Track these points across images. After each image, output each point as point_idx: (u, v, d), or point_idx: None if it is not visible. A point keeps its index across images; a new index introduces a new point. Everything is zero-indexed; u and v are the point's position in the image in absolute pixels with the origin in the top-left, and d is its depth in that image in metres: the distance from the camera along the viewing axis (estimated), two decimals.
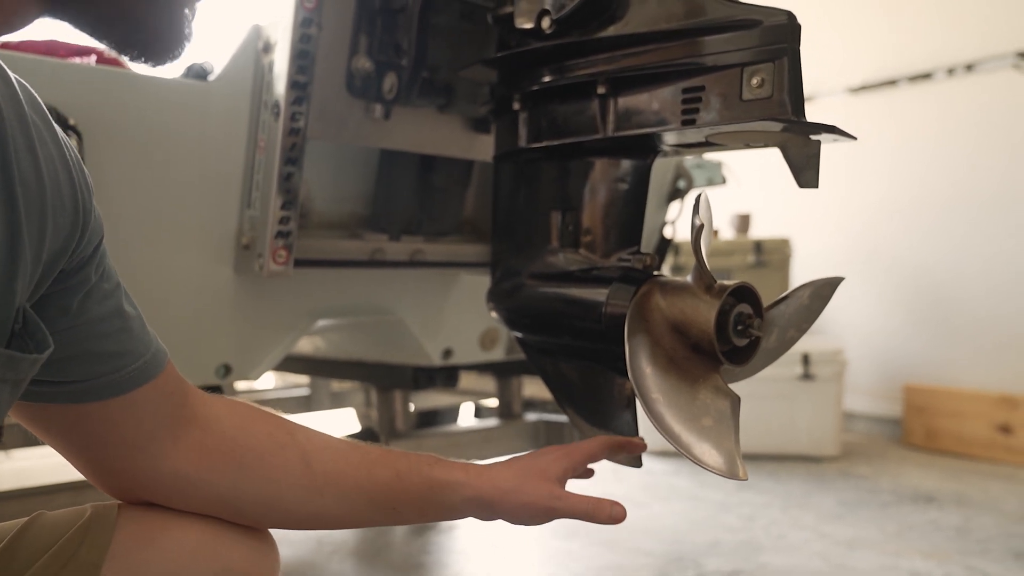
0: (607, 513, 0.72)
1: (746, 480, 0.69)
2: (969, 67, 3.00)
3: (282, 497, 0.67)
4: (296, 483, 0.67)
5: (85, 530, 0.64)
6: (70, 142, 0.55)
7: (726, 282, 0.75)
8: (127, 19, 0.47)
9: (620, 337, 0.77)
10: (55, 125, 0.53)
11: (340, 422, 2.52)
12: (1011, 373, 2.91)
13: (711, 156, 1.82)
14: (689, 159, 1.73)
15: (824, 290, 0.84)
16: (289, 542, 1.98)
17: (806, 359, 2.82)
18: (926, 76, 3.12)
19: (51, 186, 0.50)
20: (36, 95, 0.51)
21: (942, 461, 2.88)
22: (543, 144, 0.91)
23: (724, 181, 1.83)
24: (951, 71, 3.05)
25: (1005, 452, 2.85)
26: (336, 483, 0.68)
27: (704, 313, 0.74)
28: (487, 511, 0.71)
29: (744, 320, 0.75)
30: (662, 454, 2.79)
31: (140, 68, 1.05)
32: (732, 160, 1.88)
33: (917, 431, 3.10)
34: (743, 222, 3.26)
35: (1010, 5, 2.93)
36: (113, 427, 0.61)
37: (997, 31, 2.93)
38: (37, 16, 0.48)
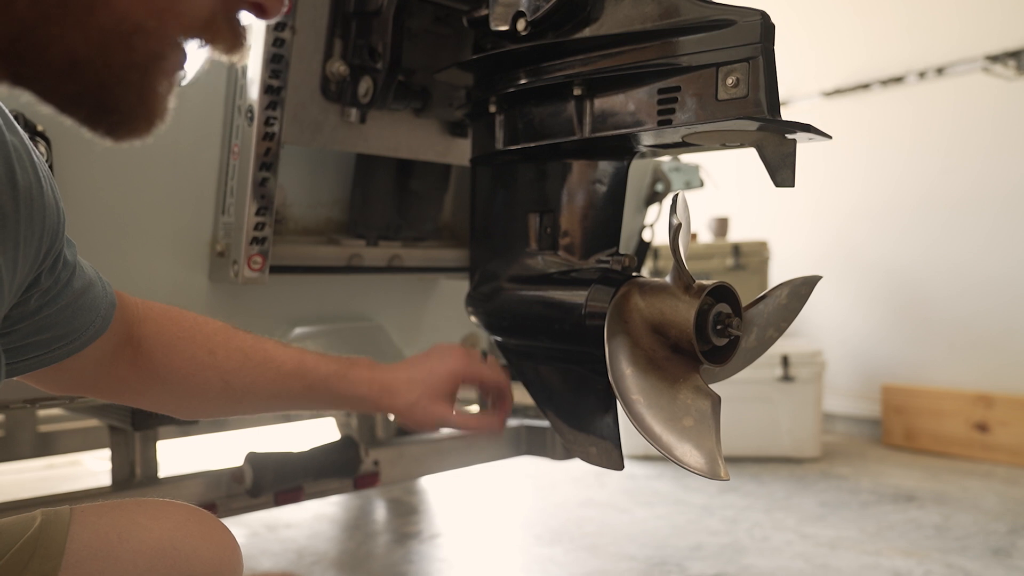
0: (486, 427, 0.84)
1: (728, 480, 0.69)
2: (940, 70, 3.04)
3: (203, 405, 0.76)
4: (215, 396, 0.74)
5: (36, 539, 0.62)
6: (41, 158, 0.55)
7: (705, 282, 0.75)
8: (96, 98, 0.42)
9: (600, 339, 0.77)
10: (27, 139, 0.52)
11: (320, 432, 2.50)
12: (986, 371, 2.95)
13: (688, 159, 1.83)
14: (667, 162, 1.74)
15: (802, 289, 0.84)
16: (270, 553, 1.95)
17: (785, 361, 2.84)
18: (898, 80, 3.16)
19: (25, 215, 0.51)
20: (5, 108, 0.50)
21: (921, 460, 2.90)
22: (520, 146, 0.91)
23: (702, 184, 1.84)
24: (922, 74, 3.09)
25: (982, 450, 2.88)
26: (252, 394, 0.75)
27: (683, 313, 0.74)
28: (384, 412, 0.80)
29: (723, 319, 0.75)
30: (644, 458, 2.80)
31: None
32: (709, 163, 1.89)
33: (896, 431, 3.13)
34: (721, 225, 3.28)
35: (979, 9, 2.98)
36: (72, 367, 0.66)
37: (966, 35, 2.98)
38: None
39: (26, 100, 0.43)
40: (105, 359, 0.68)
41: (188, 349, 0.73)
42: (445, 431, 2.16)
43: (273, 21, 0.98)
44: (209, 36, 0.43)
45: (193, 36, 0.42)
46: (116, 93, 0.42)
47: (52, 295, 0.59)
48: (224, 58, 0.45)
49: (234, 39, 0.44)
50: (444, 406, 0.81)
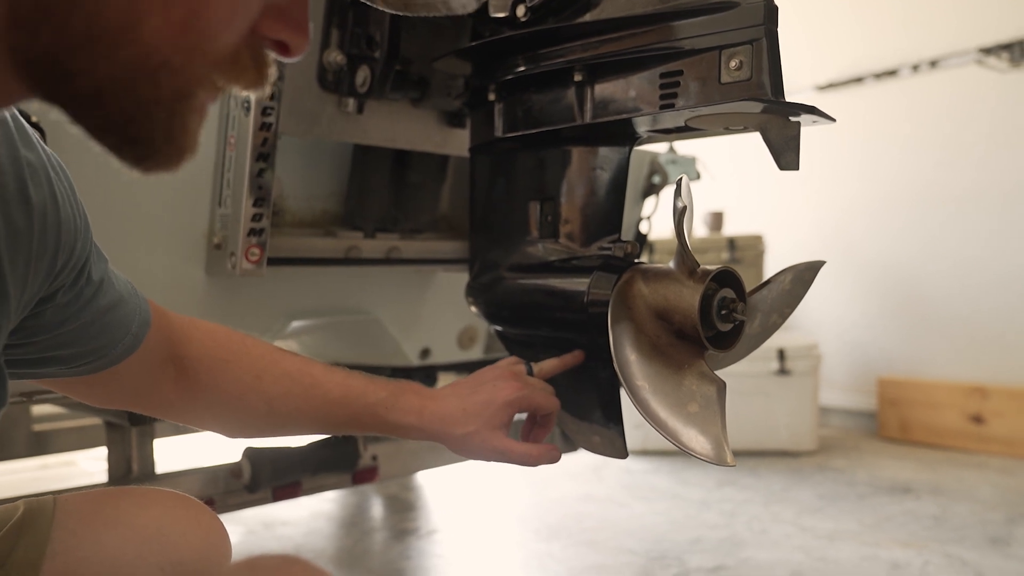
0: (547, 459, 0.82)
1: (734, 466, 0.68)
2: (933, 63, 3.05)
3: (246, 428, 0.75)
4: (259, 420, 0.74)
5: (19, 528, 0.61)
6: (62, 169, 0.55)
7: (709, 267, 0.75)
8: (122, 130, 0.41)
9: (603, 326, 0.76)
10: (45, 152, 0.52)
11: None
12: (981, 364, 2.96)
13: (685, 151, 1.83)
14: (664, 155, 1.73)
15: (806, 274, 0.84)
16: (267, 551, 1.94)
17: (782, 354, 2.84)
18: (892, 73, 3.17)
19: (39, 231, 0.51)
20: (24, 123, 0.50)
21: (917, 452, 2.91)
22: (520, 134, 0.90)
23: (698, 177, 1.84)
24: (916, 68, 3.10)
25: (977, 441, 2.89)
26: (295, 421, 0.75)
27: (687, 298, 0.73)
28: (432, 441, 0.79)
29: (728, 305, 0.75)
30: (642, 453, 2.79)
31: None
32: (706, 156, 1.89)
33: (892, 423, 3.13)
34: (716, 219, 3.28)
35: (972, 1, 2.99)
36: (107, 382, 0.65)
37: (960, 27, 2.99)
38: (23, 98, 0.42)
39: None
40: (144, 376, 0.67)
41: (234, 372, 0.71)
42: None
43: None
44: (235, 74, 0.42)
45: (219, 72, 0.41)
46: (143, 127, 0.41)
47: (73, 311, 0.58)
48: (246, 92, 0.44)
49: (258, 75, 0.43)
50: (502, 438, 0.78)
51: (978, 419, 2.90)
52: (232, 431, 0.76)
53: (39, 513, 0.63)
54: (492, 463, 0.80)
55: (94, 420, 1.85)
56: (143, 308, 0.65)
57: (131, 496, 0.71)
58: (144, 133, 0.41)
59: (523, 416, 0.85)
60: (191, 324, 0.71)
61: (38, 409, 1.91)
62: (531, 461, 0.80)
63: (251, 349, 0.73)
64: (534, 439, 0.84)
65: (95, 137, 0.41)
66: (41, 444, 1.93)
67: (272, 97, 1.00)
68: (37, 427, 1.92)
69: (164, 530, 0.66)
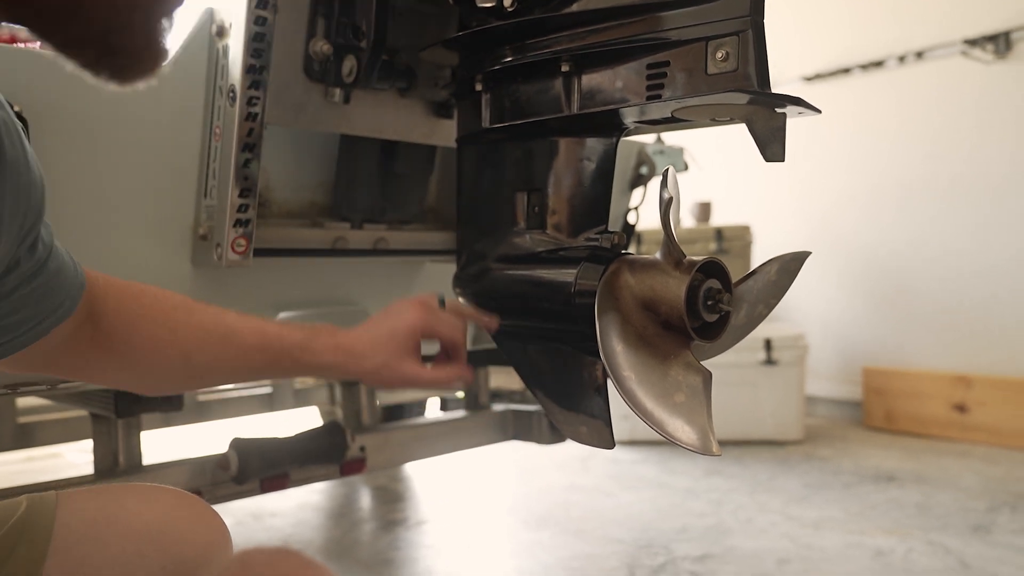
0: (456, 382, 0.83)
1: (720, 455, 0.69)
2: (919, 54, 3.06)
3: (164, 382, 0.75)
4: (177, 373, 0.73)
5: (22, 525, 0.61)
6: (25, 139, 0.54)
7: (695, 257, 0.75)
8: (101, 41, 0.41)
9: (590, 317, 0.77)
10: (13, 117, 0.51)
11: (303, 421, 2.48)
12: (966, 354, 2.98)
13: (673, 142, 1.83)
14: (651, 145, 1.73)
15: (791, 265, 0.84)
16: (256, 542, 1.94)
17: (768, 344, 2.86)
18: (878, 64, 3.18)
19: (11, 190, 0.50)
20: None
21: (901, 441, 2.94)
22: (507, 124, 0.90)
23: (686, 167, 1.84)
24: (902, 59, 3.11)
25: (961, 430, 2.92)
26: (215, 370, 0.75)
27: (674, 289, 0.74)
28: (350, 379, 0.81)
29: (714, 295, 0.75)
30: (629, 443, 2.81)
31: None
32: (694, 147, 1.89)
33: (877, 413, 3.16)
34: (704, 210, 3.29)
35: None
36: (31, 349, 0.64)
37: (945, 19, 3.00)
38: None
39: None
40: (65, 339, 0.67)
41: (148, 328, 0.71)
42: (431, 417, 2.15)
43: None
44: None
45: None
46: (123, 35, 0.41)
47: (27, 276, 0.58)
48: None
49: None
50: (412, 365, 0.80)
51: (962, 408, 2.93)
52: (148, 386, 0.76)
53: (41, 510, 0.63)
54: (410, 390, 0.82)
55: (80, 412, 1.84)
56: (79, 272, 0.65)
57: (133, 493, 0.71)
58: (124, 41, 0.41)
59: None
60: (106, 281, 0.70)
61: (23, 401, 1.89)
62: (441, 384, 0.82)
63: (163, 303, 0.73)
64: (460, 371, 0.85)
65: (70, 53, 0.41)
66: (26, 436, 1.91)
67: (258, 87, 1.00)
68: (22, 419, 1.91)
69: (167, 528, 0.66)
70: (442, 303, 0.86)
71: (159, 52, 0.44)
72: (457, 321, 0.85)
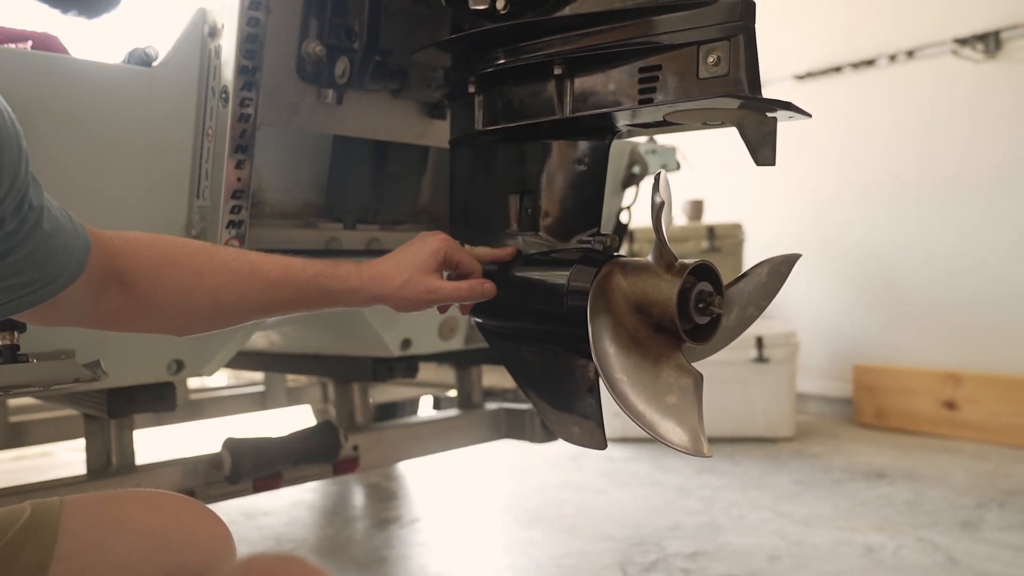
0: (479, 292, 0.85)
1: (711, 457, 0.70)
2: (910, 53, 3.07)
3: (196, 323, 0.76)
4: (207, 314, 0.74)
5: (27, 530, 0.61)
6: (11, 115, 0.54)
7: (686, 260, 0.75)
8: None
9: (582, 319, 0.77)
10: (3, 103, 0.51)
11: (297, 420, 2.48)
12: (955, 351, 3.00)
13: (665, 142, 1.83)
14: (643, 145, 1.74)
15: (782, 267, 0.85)
16: (249, 541, 1.94)
17: (760, 342, 2.87)
18: (869, 63, 3.19)
19: None
20: None
21: (892, 438, 2.96)
22: (500, 127, 0.90)
23: (678, 167, 1.85)
24: (893, 58, 3.13)
25: (951, 427, 2.94)
26: (242, 307, 0.75)
27: (665, 291, 0.74)
28: (376, 304, 0.82)
29: (705, 298, 0.75)
30: (621, 440, 2.82)
31: (80, 53, 1.01)
32: (685, 146, 1.90)
33: (867, 410, 3.18)
34: (696, 208, 3.30)
35: None
36: (53, 307, 0.65)
37: (936, 18, 3.01)
38: None
39: None
40: (90, 296, 0.67)
41: (173, 273, 0.72)
42: (423, 416, 2.14)
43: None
44: None
45: None
46: None
47: (20, 238, 0.58)
48: None
49: None
50: (434, 279, 0.82)
51: (951, 405, 2.95)
52: (182, 328, 0.77)
53: (45, 516, 0.63)
54: (429, 306, 0.83)
55: (72, 411, 1.83)
56: (82, 232, 0.65)
57: (137, 499, 0.71)
58: None
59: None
60: (120, 238, 0.71)
61: (15, 401, 1.89)
62: (462, 295, 0.84)
63: (184, 248, 0.74)
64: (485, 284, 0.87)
65: None
66: (18, 436, 1.91)
67: (251, 87, 1.00)
68: (14, 419, 1.90)
69: (170, 534, 0.66)
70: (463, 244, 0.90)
71: None
72: (474, 259, 0.88)
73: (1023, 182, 2.85)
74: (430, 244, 0.83)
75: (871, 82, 3.22)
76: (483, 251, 0.90)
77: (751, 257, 3.14)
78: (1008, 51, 2.86)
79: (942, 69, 3.00)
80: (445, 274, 0.86)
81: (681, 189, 3.25)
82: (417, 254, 0.82)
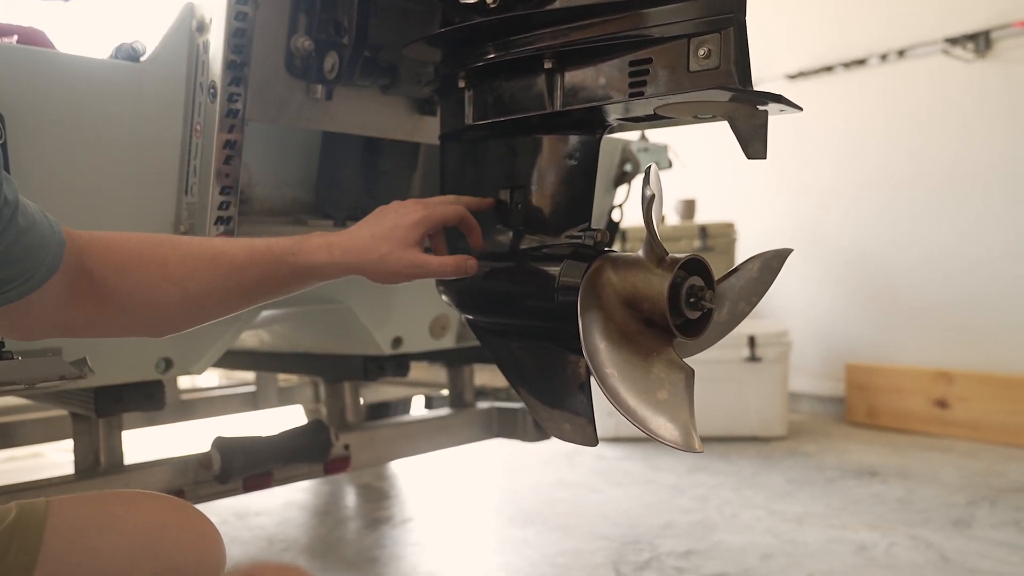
0: (464, 268, 0.83)
1: (702, 452, 0.69)
2: (901, 53, 3.08)
3: (169, 320, 0.73)
4: (178, 307, 0.72)
5: (12, 531, 0.60)
6: None
7: (677, 255, 0.75)
8: None
9: (573, 314, 0.77)
10: None
11: (287, 420, 2.47)
12: (947, 350, 3.01)
13: (656, 139, 1.83)
14: (635, 142, 1.73)
15: (773, 262, 0.84)
16: (240, 541, 1.93)
17: (752, 341, 2.87)
18: (861, 62, 3.20)
19: None
20: None
21: (884, 437, 2.96)
22: (490, 121, 0.90)
23: (670, 165, 1.84)
24: (884, 57, 3.13)
25: (942, 425, 2.95)
26: (212, 296, 0.73)
27: (656, 286, 0.74)
28: (353, 275, 0.78)
29: (696, 292, 0.75)
30: (614, 439, 2.81)
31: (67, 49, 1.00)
32: (678, 144, 1.90)
33: (859, 408, 3.18)
34: (688, 207, 3.30)
35: None
36: (28, 310, 0.64)
37: (926, 18, 3.02)
38: None
39: None
40: (63, 298, 0.66)
41: (139, 267, 0.71)
42: (415, 415, 2.14)
43: None
44: None
45: None
46: None
47: None
48: None
49: None
50: (417, 253, 0.79)
51: (943, 404, 2.96)
52: (155, 327, 0.74)
53: (32, 517, 0.62)
54: (411, 280, 0.79)
55: (60, 412, 1.82)
56: (57, 229, 0.64)
57: (123, 500, 0.70)
58: None
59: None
60: (89, 236, 0.70)
61: (2, 401, 1.87)
62: (448, 270, 0.81)
63: (148, 241, 0.72)
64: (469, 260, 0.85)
65: None
66: (6, 436, 1.89)
67: (239, 83, 0.99)
68: (2, 419, 1.88)
69: (157, 535, 0.66)
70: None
71: None
72: (453, 204, 0.85)
73: (1016, 182, 2.86)
74: (409, 216, 0.79)
75: (863, 81, 3.23)
76: (466, 200, 0.89)
77: (744, 256, 3.14)
78: (998, 50, 2.87)
79: (933, 69, 3.01)
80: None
81: (673, 188, 3.27)
82: (395, 227, 0.79)
